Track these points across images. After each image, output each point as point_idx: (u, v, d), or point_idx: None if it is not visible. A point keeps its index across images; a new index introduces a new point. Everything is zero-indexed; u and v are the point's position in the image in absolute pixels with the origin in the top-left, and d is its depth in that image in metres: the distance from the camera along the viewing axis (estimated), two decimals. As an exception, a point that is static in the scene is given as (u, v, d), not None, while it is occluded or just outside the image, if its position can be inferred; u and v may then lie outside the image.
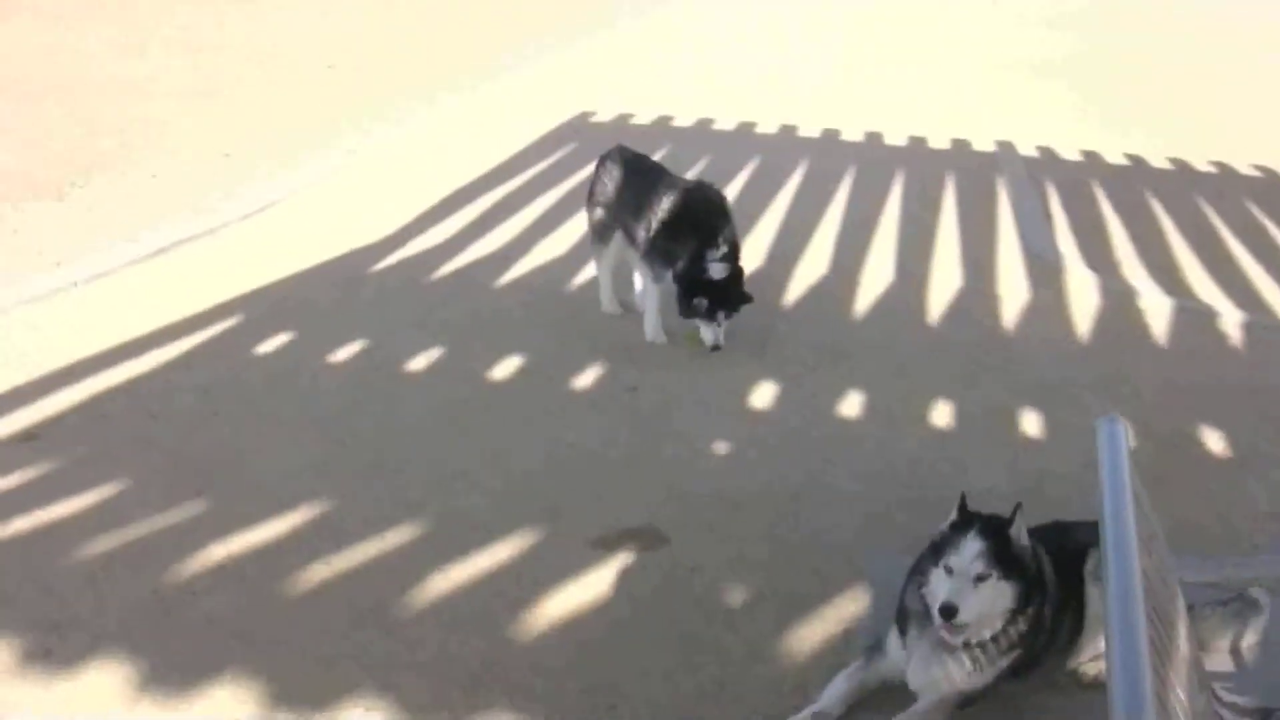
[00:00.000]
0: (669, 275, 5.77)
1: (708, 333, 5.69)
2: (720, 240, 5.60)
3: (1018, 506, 3.23)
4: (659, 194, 5.81)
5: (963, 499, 3.31)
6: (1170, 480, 4.63)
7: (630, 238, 5.97)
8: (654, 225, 5.76)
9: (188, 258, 7.01)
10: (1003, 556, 3.15)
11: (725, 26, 16.97)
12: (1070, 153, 10.40)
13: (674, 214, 5.72)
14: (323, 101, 11.60)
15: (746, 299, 5.68)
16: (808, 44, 15.85)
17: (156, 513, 4.34)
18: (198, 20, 15.34)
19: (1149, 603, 2.04)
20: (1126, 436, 2.58)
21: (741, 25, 17.05)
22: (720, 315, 5.65)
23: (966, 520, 3.23)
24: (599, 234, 6.21)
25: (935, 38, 16.64)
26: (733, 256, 5.64)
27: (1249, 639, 3.55)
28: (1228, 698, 2.94)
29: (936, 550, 3.22)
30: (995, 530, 3.19)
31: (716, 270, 5.57)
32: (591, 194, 6.24)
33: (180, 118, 10.53)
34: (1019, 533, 3.19)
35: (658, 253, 5.79)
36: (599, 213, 6.16)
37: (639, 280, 6.19)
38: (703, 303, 5.61)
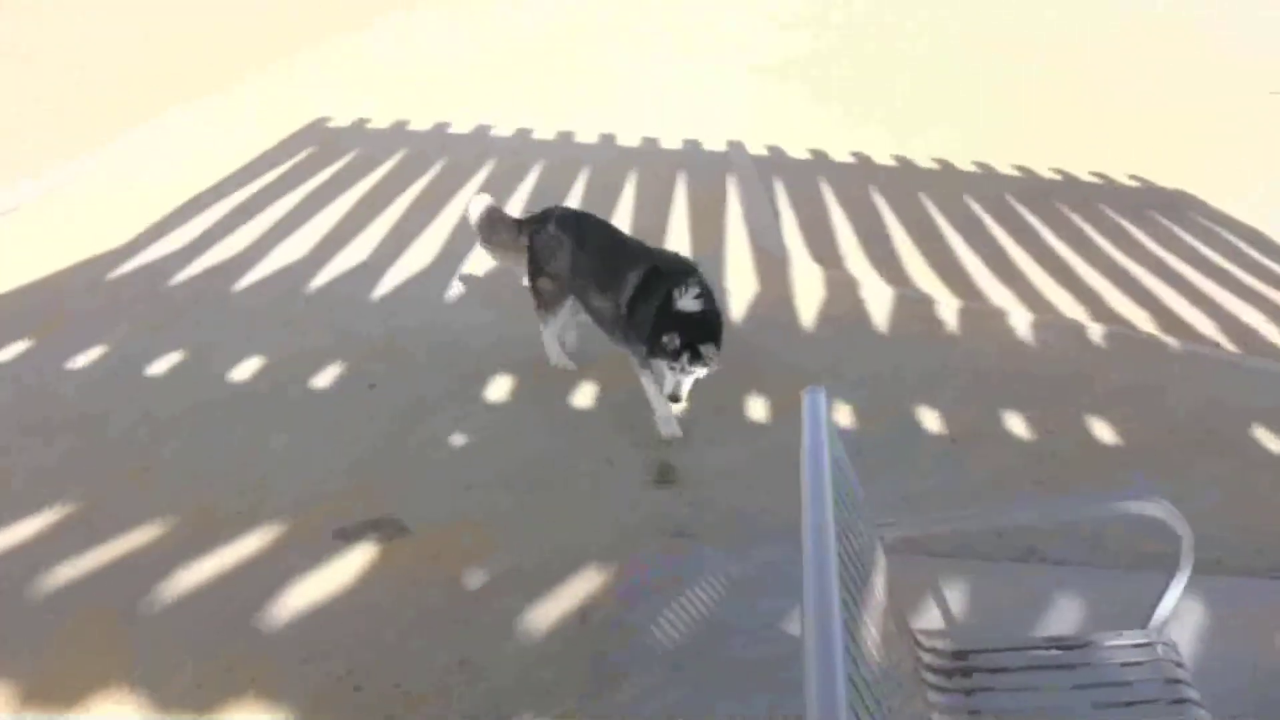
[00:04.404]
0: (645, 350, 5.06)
1: (669, 380, 4.87)
2: (690, 281, 4.90)
3: None
4: (644, 281, 5.10)
5: None
6: (897, 459, 5.01)
7: (608, 328, 5.41)
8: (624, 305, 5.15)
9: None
10: None
11: (457, 35, 17.00)
12: (799, 150, 10.88)
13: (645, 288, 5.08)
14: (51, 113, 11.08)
15: (715, 340, 4.86)
16: (537, 45, 16.03)
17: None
18: None
19: (842, 546, 2.26)
20: (828, 404, 2.80)
21: (470, 30, 17.09)
22: (687, 357, 4.80)
23: None
24: (548, 304, 5.69)
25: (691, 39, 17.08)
26: (707, 298, 4.92)
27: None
28: (928, 643, 3.22)
29: None
30: None
31: (688, 304, 4.83)
32: (535, 260, 5.62)
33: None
34: None
35: (636, 331, 5.12)
36: (546, 283, 5.62)
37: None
38: (673, 339, 4.77)
